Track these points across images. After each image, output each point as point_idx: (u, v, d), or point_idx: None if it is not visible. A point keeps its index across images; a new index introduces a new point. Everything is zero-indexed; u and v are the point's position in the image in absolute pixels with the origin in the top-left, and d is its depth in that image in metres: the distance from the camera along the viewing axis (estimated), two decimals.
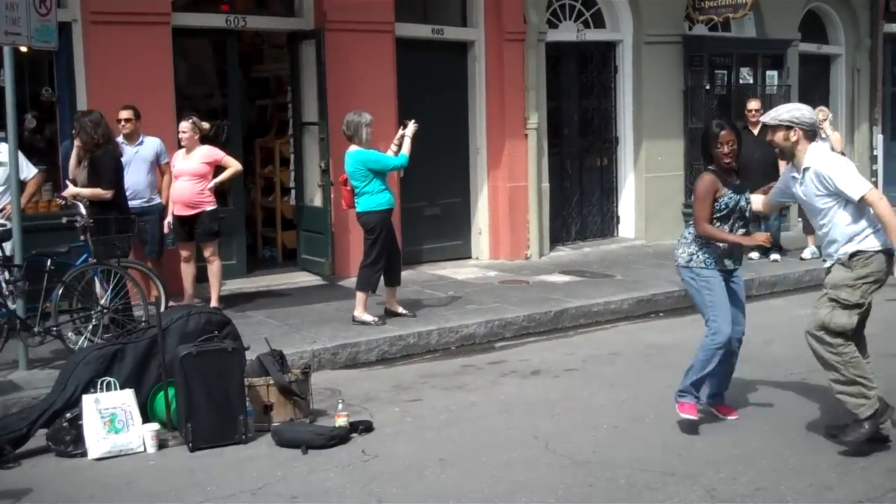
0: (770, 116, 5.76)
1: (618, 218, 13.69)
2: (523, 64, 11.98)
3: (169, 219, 9.06)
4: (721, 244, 6.01)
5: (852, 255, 5.58)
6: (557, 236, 12.88)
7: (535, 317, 9.12)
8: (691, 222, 6.13)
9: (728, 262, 6.07)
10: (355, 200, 8.71)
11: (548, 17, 12.62)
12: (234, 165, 9.28)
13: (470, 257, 12.25)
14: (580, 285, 10.42)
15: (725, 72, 13.91)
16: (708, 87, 13.62)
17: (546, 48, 12.34)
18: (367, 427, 6.22)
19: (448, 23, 11.93)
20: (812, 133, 5.67)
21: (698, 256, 6.04)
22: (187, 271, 9.13)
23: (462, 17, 12.09)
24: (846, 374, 5.56)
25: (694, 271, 6.05)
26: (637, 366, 7.75)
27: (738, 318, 6.14)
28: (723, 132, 5.94)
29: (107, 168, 7.96)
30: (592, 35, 13.20)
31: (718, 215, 5.96)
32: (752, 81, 14.04)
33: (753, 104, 11.93)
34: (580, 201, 13.30)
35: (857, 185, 5.53)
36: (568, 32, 12.98)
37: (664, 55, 13.48)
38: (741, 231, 6.08)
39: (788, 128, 5.62)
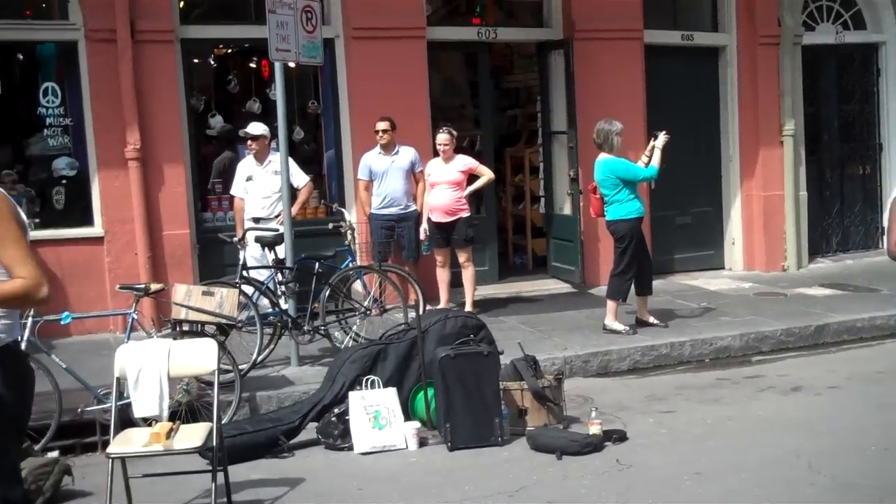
0: None
1: (882, 229, 12.83)
2: (778, 68, 11.60)
3: (424, 225, 9.35)
4: None
5: None
6: (816, 248, 12.35)
7: (793, 331, 8.78)
8: None
9: None
10: (605, 209, 8.70)
11: (804, 19, 12.15)
12: (487, 174, 9.48)
13: (722, 268, 11.95)
14: (842, 299, 9.93)
15: None
16: None
17: (802, 51, 11.90)
18: (620, 436, 6.19)
19: (698, 28, 11.70)
20: None
21: None
22: (443, 276, 9.39)
23: (713, 21, 11.83)
24: None
25: None
26: None
27: None
28: None
29: None
30: (852, 37, 12.62)
31: None
32: None
33: None
34: (841, 211, 12.73)
35: None
36: (826, 35, 12.44)
37: None
38: None
39: None
